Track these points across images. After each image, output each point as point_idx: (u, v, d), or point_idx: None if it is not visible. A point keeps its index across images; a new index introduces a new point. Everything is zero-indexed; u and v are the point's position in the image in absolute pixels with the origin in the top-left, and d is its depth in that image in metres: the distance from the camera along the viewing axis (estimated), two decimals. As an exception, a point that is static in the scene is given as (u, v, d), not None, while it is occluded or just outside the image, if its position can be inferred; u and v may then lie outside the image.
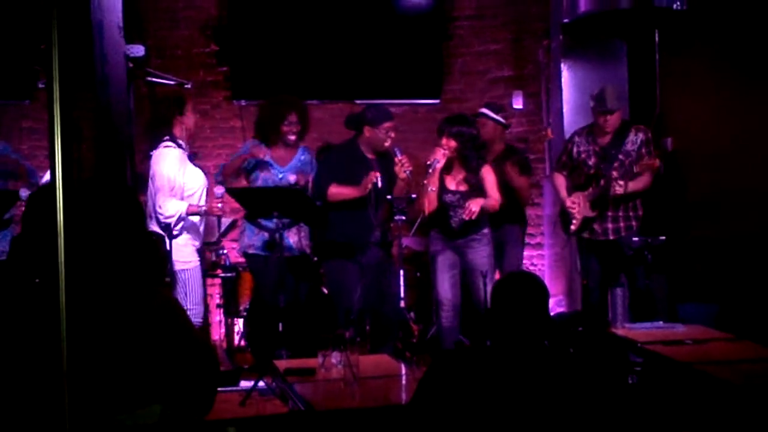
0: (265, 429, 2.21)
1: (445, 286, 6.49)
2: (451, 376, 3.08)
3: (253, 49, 8.39)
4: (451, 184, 6.42)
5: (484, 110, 7.16)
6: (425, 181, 6.34)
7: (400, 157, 6.20)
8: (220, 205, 6.22)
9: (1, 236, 6.22)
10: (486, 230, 6.49)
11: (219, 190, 6.22)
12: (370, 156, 6.43)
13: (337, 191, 6.34)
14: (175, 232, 5.99)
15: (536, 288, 3.08)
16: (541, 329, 3.07)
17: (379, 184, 6.27)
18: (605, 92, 6.49)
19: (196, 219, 6.27)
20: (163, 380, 2.55)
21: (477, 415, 2.96)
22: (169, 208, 6.06)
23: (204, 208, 6.22)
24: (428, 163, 6.36)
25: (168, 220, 6.06)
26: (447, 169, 6.41)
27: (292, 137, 6.46)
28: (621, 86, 7.16)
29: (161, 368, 2.54)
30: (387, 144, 6.35)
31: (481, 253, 6.44)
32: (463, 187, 6.40)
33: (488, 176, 6.42)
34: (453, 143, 6.32)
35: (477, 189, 6.37)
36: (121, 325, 2.54)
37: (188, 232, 6.21)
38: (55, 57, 2.02)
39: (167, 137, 6.24)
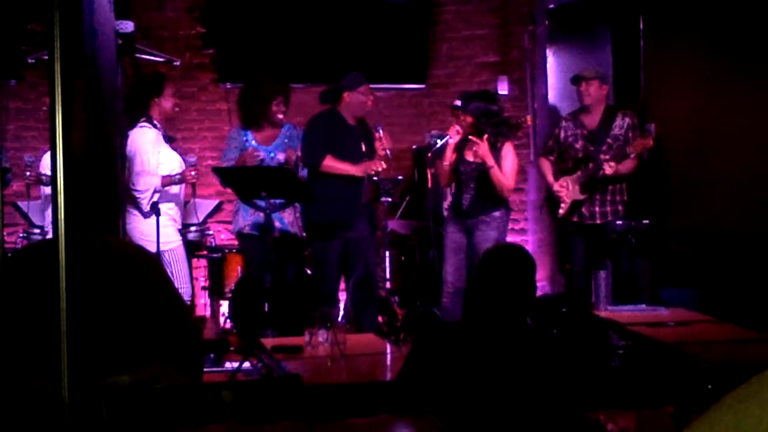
0: (259, 394, 2.22)
1: (450, 269, 6.46)
2: (437, 350, 3.11)
3: (240, 31, 8.37)
4: (468, 156, 6.39)
5: (457, 102, 7.07)
6: (438, 159, 6.38)
7: (380, 134, 6.25)
8: (194, 172, 6.26)
9: None
10: (497, 213, 6.34)
11: (192, 158, 6.29)
12: (352, 123, 6.47)
13: (333, 165, 6.33)
14: (160, 206, 6.00)
15: (524, 259, 3.11)
16: (527, 302, 3.10)
17: (380, 169, 6.29)
18: (582, 69, 6.78)
19: (175, 189, 6.30)
20: (152, 340, 2.58)
21: (460, 389, 2.99)
22: (142, 183, 6.10)
23: (178, 176, 6.25)
24: (443, 139, 6.41)
25: (143, 196, 6.07)
26: (466, 144, 6.37)
27: (281, 116, 6.53)
28: (605, 72, 7.21)
29: (149, 329, 2.57)
30: (368, 104, 6.41)
31: (487, 237, 6.27)
32: (479, 159, 6.29)
33: (508, 157, 6.34)
34: (469, 119, 6.34)
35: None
36: (107, 284, 2.57)
37: (167, 213, 6.22)
38: (56, 34, 2.05)
39: (144, 118, 6.27)
